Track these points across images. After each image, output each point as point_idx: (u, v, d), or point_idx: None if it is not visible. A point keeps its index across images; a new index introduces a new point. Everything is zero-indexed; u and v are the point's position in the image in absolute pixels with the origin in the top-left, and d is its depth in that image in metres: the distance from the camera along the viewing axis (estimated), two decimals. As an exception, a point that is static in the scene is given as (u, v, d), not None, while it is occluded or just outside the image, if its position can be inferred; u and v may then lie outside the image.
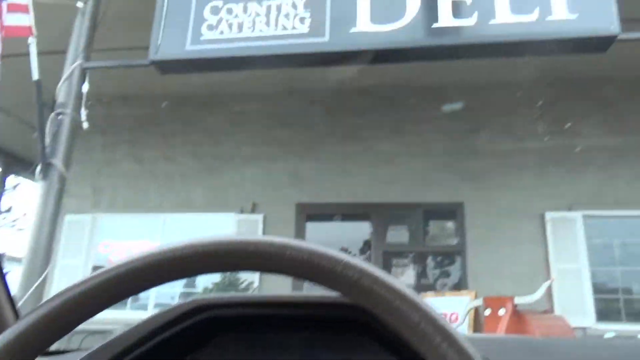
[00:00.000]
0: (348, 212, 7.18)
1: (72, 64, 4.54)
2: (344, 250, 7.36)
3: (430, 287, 6.52)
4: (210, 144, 7.28)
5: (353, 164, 6.91)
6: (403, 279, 6.75)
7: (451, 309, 5.48)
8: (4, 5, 3.86)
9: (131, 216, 7.23)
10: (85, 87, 4.61)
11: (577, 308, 5.91)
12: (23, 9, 3.90)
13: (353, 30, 3.84)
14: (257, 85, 6.31)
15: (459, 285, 6.41)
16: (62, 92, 4.55)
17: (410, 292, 0.42)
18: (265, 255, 0.43)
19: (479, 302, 4.73)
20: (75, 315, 0.42)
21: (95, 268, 7.02)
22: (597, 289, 6.10)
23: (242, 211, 6.97)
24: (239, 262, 0.44)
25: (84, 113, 4.59)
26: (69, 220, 7.03)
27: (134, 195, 7.23)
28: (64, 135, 4.46)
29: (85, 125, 4.60)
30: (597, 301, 6.05)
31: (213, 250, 0.44)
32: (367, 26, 3.80)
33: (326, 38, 3.92)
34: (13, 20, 3.90)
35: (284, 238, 0.44)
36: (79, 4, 4.46)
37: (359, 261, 0.43)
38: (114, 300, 0.44)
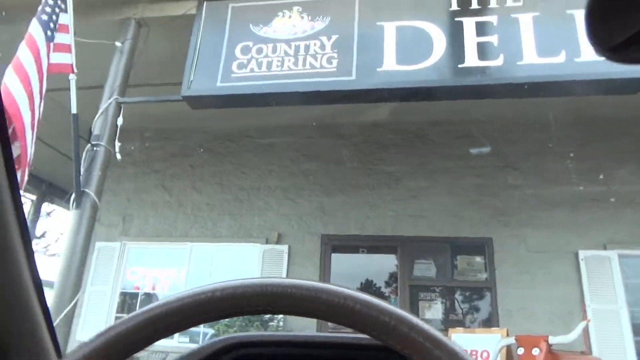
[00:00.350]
0: (374, 245, 7.11)
1: (108, 99, 4.73)
2: (369, 282, 7.29)
3: (459, 323, 6.34)
4: (237, 176, 7.39)
5: (379, 197, 6.88)
6: (430, 314, 6.59)
7: (481, 346, 5.29)
8: (52, 45, 4.09)
9: (159, 244, 7.35)
10: (120, 121, 4.79)
11: (616, 351, 5.62)
12: (66, 49, 4.12)
13: (379, 69, 3.89)
14: (285, 119, 6.41)
15: (489, 322, 6.20)
16: (97, 125, 4.74)
17: (449, 342, 0.42)
18: (301, 298, 0.43)
19: (511, 340, 4.56)
20: (114, 356, 0.44)
21: (122, 295, 7.17)
22: (638, 331, 5.80)
23: (267, 241, 6.99)
24: (273, 305, 0.44)
25: (117, 145, 4.76)
26: (99, 247, 7.21)
27: (162, 224, 7.37)
28: (97, 165, 4.62)
29: (118, 156, 4.75)
30: (639, 344, 5.74)
31: (251, 292, 0.44)
32: (393, 66, 3.85)
33: (353, 77, 3.99)
34: (57, 58, 4.12)
35: (320, 282, 0.45)
36: (117, 44, 4.68)
37: (394, 307, 0.43)
38: (153, 340, 0.45)
